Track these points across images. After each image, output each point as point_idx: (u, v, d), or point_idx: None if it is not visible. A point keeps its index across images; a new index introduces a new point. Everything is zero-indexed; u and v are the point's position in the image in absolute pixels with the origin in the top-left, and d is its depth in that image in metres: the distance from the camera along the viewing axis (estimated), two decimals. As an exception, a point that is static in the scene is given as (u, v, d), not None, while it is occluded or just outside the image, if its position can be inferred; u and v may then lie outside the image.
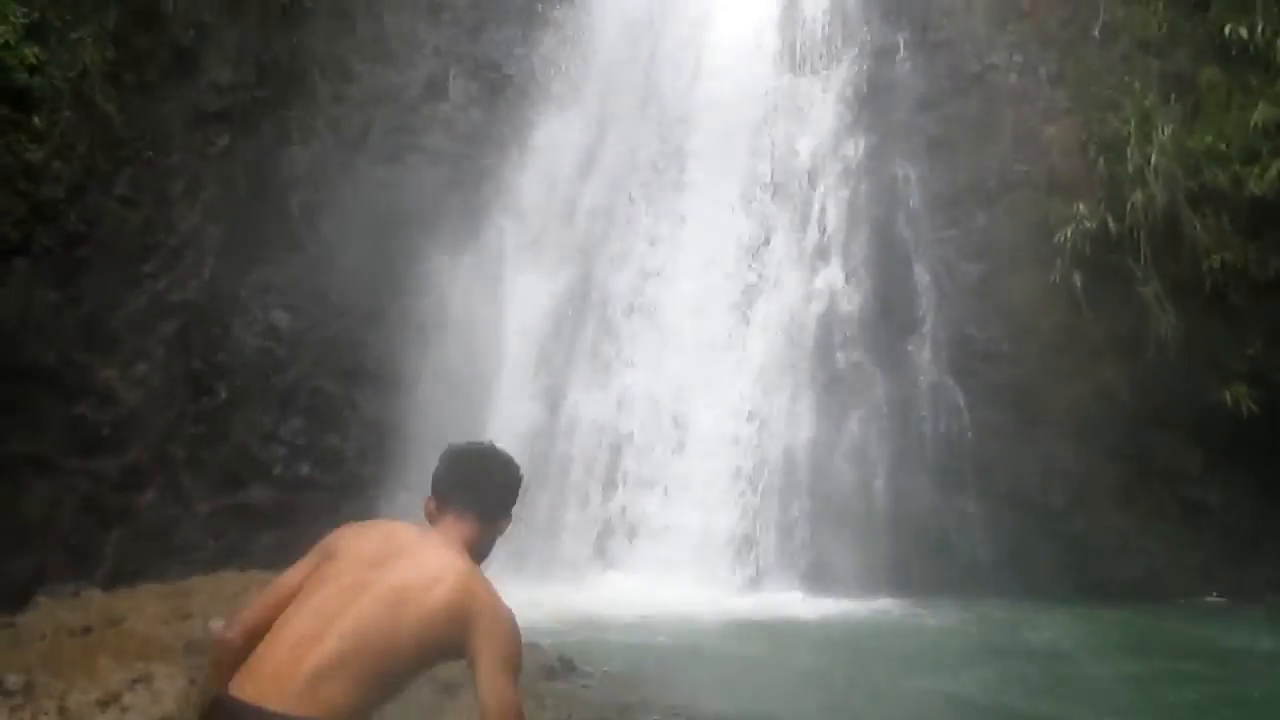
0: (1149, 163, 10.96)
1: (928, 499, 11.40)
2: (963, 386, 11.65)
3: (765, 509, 11.46)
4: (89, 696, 5.79)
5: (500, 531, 2.93)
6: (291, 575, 2.77)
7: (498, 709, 2.51)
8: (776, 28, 13.21)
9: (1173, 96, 11.36)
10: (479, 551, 2.85)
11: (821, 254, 12.30)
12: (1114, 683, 8.06)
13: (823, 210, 12.43)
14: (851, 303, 12.03)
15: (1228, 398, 10.76)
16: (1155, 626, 10.20)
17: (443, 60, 13.19)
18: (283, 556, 3.28)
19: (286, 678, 2.48)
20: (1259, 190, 10.64)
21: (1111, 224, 11.06)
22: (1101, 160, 11.39)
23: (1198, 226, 10.91)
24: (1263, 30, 10.84)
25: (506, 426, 12.13)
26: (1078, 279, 11.13)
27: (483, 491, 2.90)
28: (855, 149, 12.51)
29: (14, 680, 5.93)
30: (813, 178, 12.61)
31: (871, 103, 12.67)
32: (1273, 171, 10.54)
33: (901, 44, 12.73)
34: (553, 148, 12.88)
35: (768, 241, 12.55)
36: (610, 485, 11.90)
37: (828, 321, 12.01)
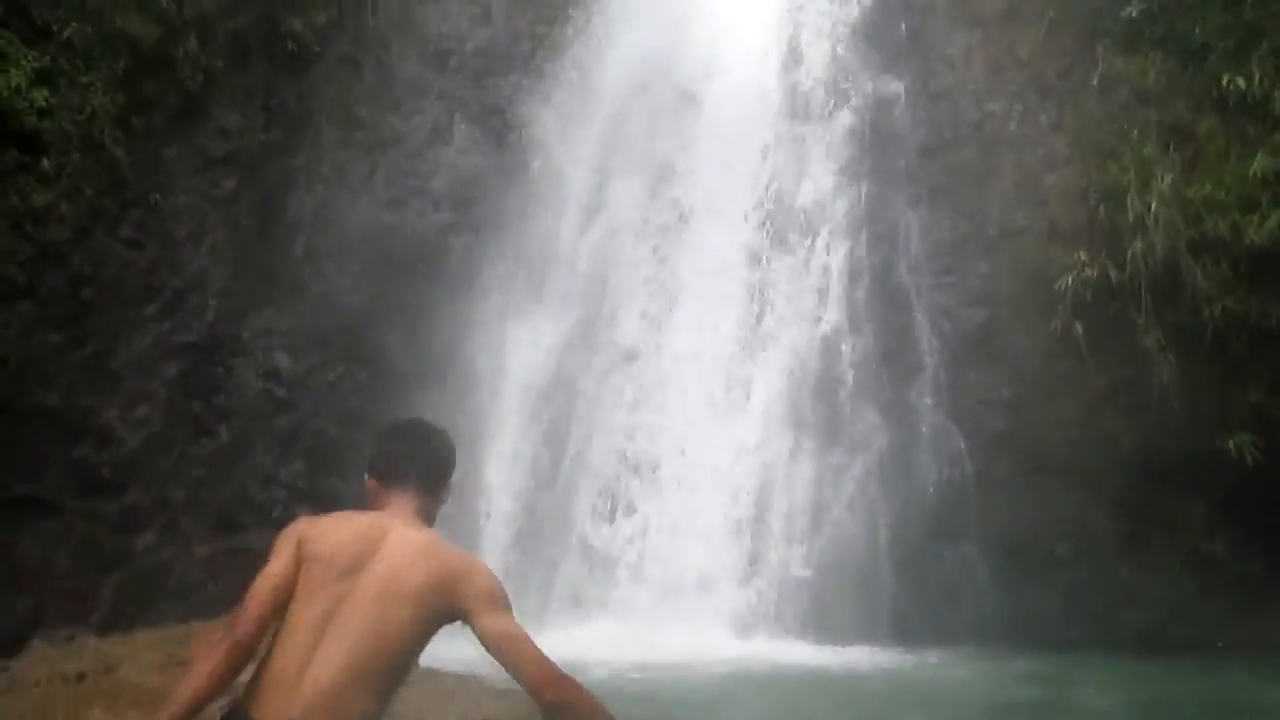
0: (1149, 211, 11.01)
1: (929, 547, 11.34)
2: (964, 434, 11.63)
3: (765, 556, 11.39)
4: (80, 746, 5.73)
5: (442, 500, 3.08)
6: (275, 569, 2.81)
7: (511, 644, 2.71)
8: (778, 77, 13.35)
9: (1172, 146, 11.44)
10: (427, 521, 3.00)
11: (823, 301, 12.33)
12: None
13: (824, 258, 12.49)
14: (853, 350, 12.04)
15: (1231, 446, 10.71)
16: (1162, 679, 10.06)
17: (447, 106, 13.33)
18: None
19: (306, 697, 2.57)
20: (1258, 239, 10.67)
21: (1112, 272, 11.09)
22: (1102, 208, 11.44)
23: (1198, 275, 10.94)
24: (1260, 81, 10.93)
25: (507, 472, 12.15)
26: (1079, 327, 11.14)
27: (421, 466, 3.05)
28: (856, 197, 12.59)
29: (6, 728, 5.88)
30: (814, 225, 12.67)
31: (872, 151, 12.77)
32: (1272, 221, 10.58)
33: (902, 93, 12.86)
34: (555, 194, 12.97)
35: (769, 289, 12.59)
36: (609, 531, 11.85)
37: (829, 368, 12.01)
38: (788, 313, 12.42)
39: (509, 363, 12.42)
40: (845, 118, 12.97)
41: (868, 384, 11.93)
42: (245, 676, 2.76)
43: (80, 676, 7.07)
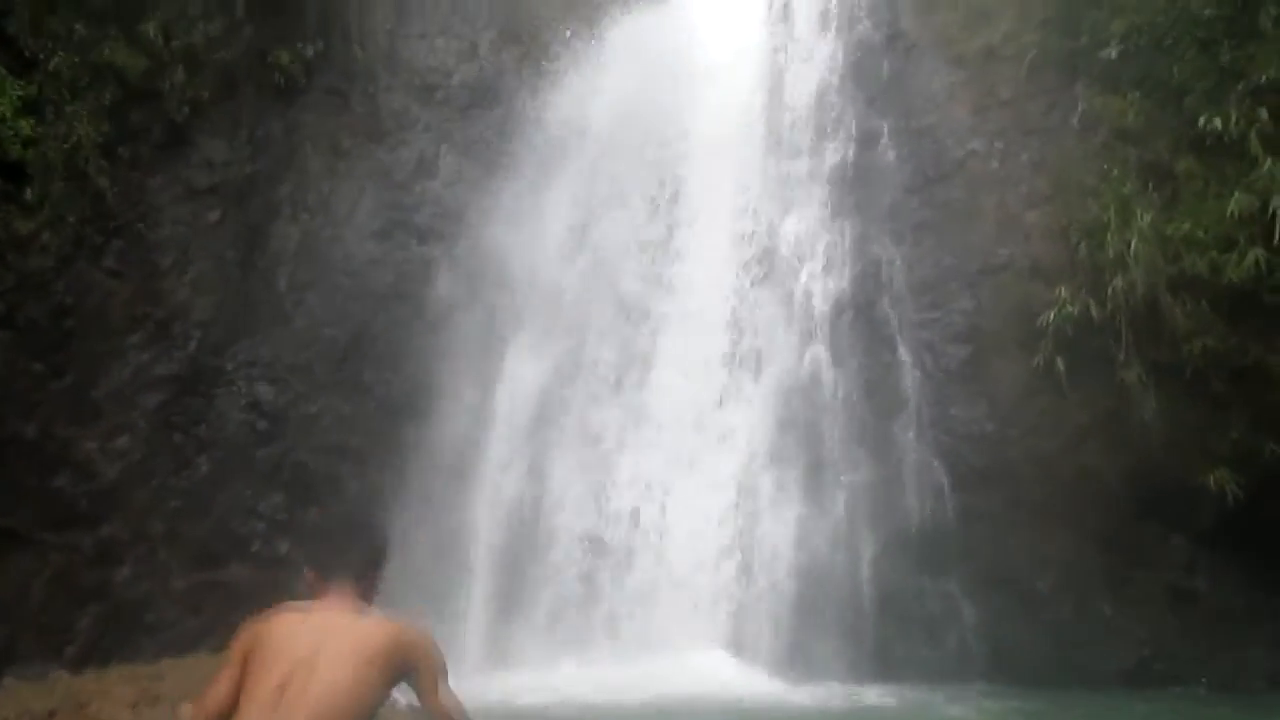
0: (1129, 249, 11.11)
1: (913, 582, 11.31)
2: (947, 469, 11.64)
3: (748, 591, 11.34)
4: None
5: (376, 589, 3.40)
6: (226, 675, 3.12)
7: (452, 703, 3.21)
8: (762, 113, 13.46)
9: (1151, 184, 11.57)
10: (367, 601, 3.35)
11: (807, 336, 12.38)
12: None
13: (808, 293, 12.54)
14: (836, 385, 12.06)
15: (1211, 482, 10.76)
16: (1146, 715, 10.04)
17: (434, 139, 13.38)
18: (258, 638, 3.30)
19: None
20: (1236, 278, 10.77)
21: (1093, 308, 11.17)
22: (1083, 246, 11.54)
23: (1178, 312, 11.02)
24: (1236, 121, 11.08)
25: (492, 502, 12.08)
26: (1061, 363, 11.20)
27: (355, 563, 3.35)
28: (840, 233, 12.67)
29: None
30: (799, 261, 12.74)
31: (856, 188, 12.87)
32: (1249, 259, 10.69)
33: (885, 130, 12.98)
34: (540, 228, 13.01)
35: (753, 324, 12.63)
36: (594, 564, 11.78)
37: (813, 403, 12.03)
38: (771, 348, 12.46)
39: (495, 392, 12.38)
40: (829, 155, 13.08)
41: (851, 419, 11.94)
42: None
43: (51, 715, 6.94)
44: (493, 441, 12.23)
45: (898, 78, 13.22)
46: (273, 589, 10.83)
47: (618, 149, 13.34)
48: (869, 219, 12.71)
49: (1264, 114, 11.00)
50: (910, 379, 11.98)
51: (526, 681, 10.08)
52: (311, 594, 3.31)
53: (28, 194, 10.03)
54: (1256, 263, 10.65)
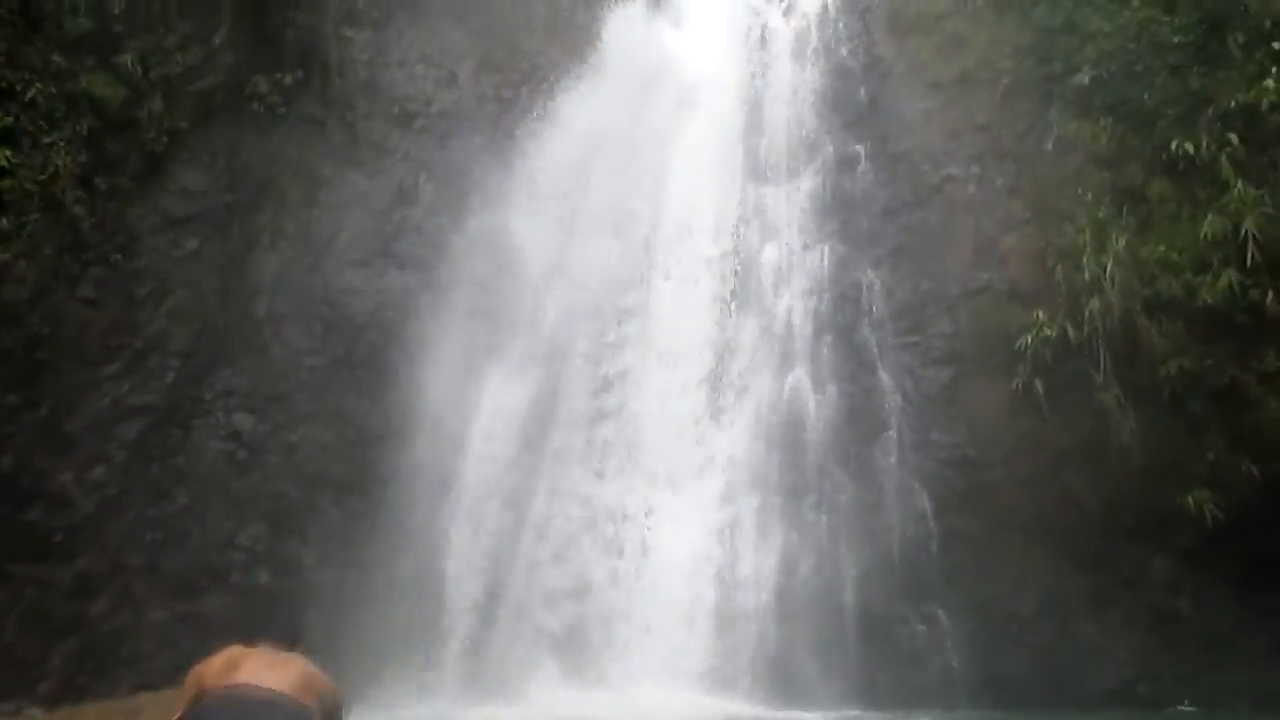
0: (1105, 272, 11.22)
1: (895, 607, 11.29)
2: (929, 492, 11.65)
3: (731, 617, 11.29)
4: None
5: None
6: None
7: None
8: (740, 139, 13.55)
9: (1125, 208, 11.69)
10: None
11: (788, 360, 12.40)
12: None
13: (788, 318, 12.58)
14: (818, 409, 12.08)
15: (1190, 503, 10.81)
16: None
17: (413, 166, 13.38)
18: (234, 671, 3.25)
19: None
20: (1210, 300, 10.88)
21: (1071, 331, 11.25)
22: (1059, 269, 11.64)
23: (1154, 334, 11.12)
24: (1207, 145, 11.24)
25: (472, 529, 12.00)
26: (1039, 385, 11.27)
27: None
28: (820, 257, 12.74)
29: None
30: (778, 286, 12.79)
31: (835, 212, 12.95)
32: (1223, 281, 10.81)
33: (862, 155, 13.08)
34: (519, 255, 13.00)
35: (734, 349, 12.65)
36: (575, 592, 11.71)
37: (794, 427, 12.04)
38: (753, 373, 12.47)
39: (475, 419, 12.32)
40: (807, 180, 13.18)
41: (833, 443, 11.95)
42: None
43: (24, 751, 6.82)
44: (472, 470, 12.15)
45: (875, 103, 13.36)
46: (253, 620, 10.75)
47: (596, 175, 13.38)
48: (848, 243, 12.78)
49: (1234, 138, 11.17)
50: (891, 403, 12.02)
51: (505, 712, 9.99)
52: None
53: (4, 223, 9.98)
54: (1230, 285, 10.77)
